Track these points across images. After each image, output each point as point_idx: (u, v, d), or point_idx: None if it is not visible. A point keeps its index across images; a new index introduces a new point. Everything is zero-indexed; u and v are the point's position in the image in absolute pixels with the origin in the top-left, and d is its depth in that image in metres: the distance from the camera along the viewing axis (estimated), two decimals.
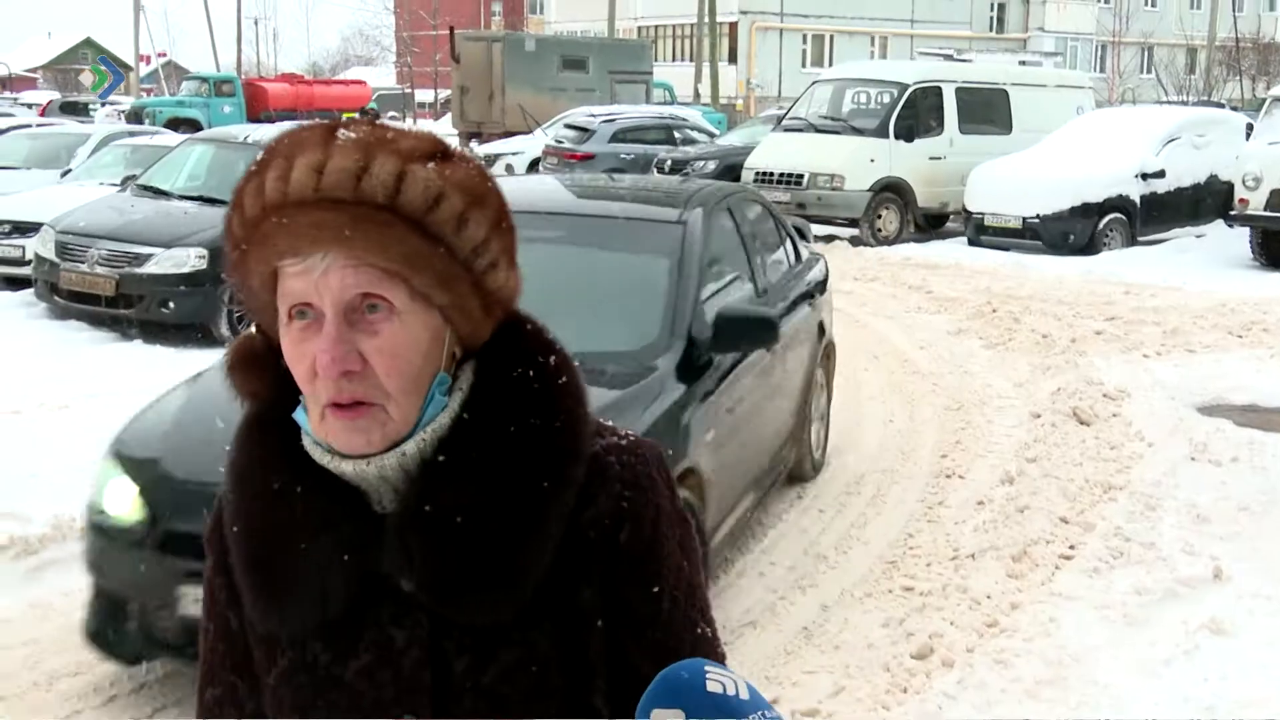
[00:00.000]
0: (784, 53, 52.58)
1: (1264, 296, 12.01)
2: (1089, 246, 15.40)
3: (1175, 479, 6.63)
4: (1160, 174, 15.96)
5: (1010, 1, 59.93)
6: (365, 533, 1.25)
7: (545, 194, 6.50)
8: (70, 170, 14.95)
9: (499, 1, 73.39)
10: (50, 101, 41.24)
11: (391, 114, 50.63)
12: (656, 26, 54.08)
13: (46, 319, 10.72)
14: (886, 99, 17.80)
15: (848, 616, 5.10)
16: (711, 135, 23.36)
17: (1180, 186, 16.19)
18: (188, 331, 10.06)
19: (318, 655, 1.27)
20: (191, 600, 3.94)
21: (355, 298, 1.19)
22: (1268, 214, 14.30)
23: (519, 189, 6.44)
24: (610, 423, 1.36)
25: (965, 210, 16.48)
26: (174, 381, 5.14)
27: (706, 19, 41.89)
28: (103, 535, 4.34)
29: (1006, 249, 15.57)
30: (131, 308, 10.17)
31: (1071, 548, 5.77)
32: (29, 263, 11.17)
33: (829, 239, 16.90)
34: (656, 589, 1.27)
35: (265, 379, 1.30)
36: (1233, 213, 14.89)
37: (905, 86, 17.62)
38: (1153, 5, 59.96)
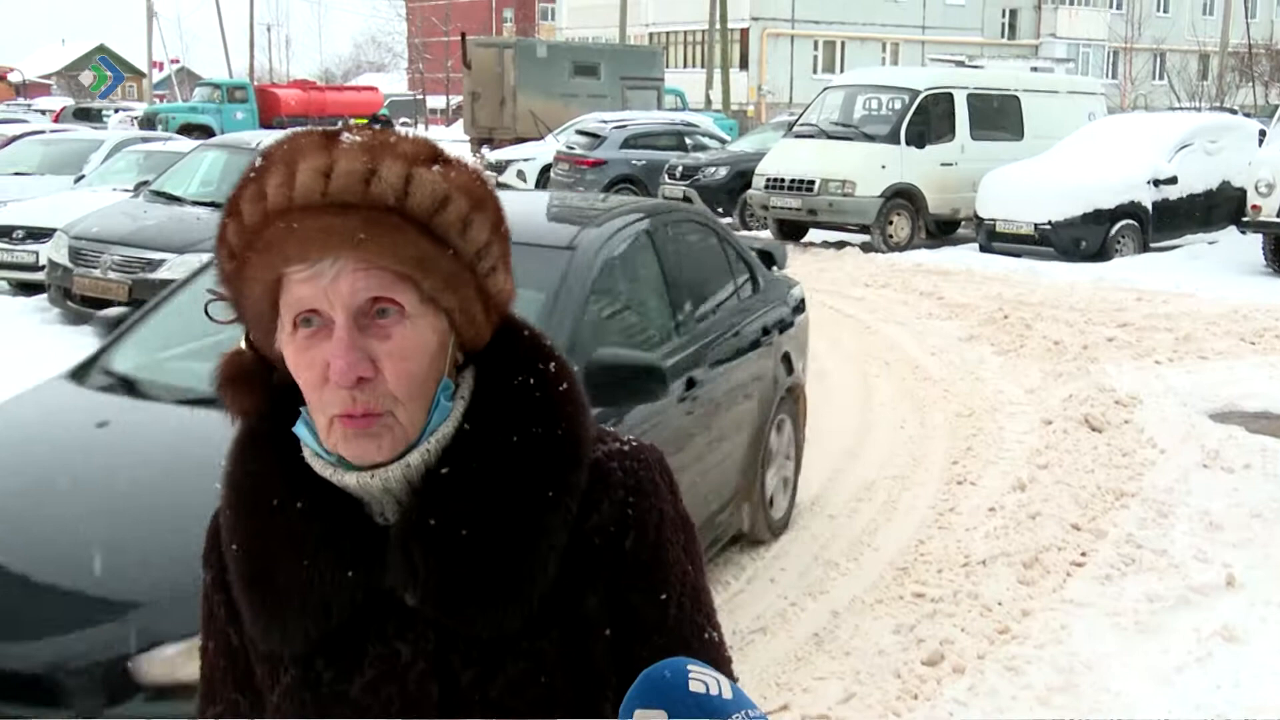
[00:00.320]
0: (795, 59, 52.60)
1: (1276, 303, 11.95)
2: (1101, 253, 15.37)
3: (1187, 486, 6.61)
4: (1172, 180, 15.93)
5: (1022, 8, 59.89)
6: (367, 547, 1.23)
7: None
8: (84, 176, 15.02)
9: (511, 8, 73.53)
10: (64, 108, 41.38)
11: (403, 120, 50.80)
12: (668, 33, 54.13)
13: (59, 324, 10.76)
14: (898, 105, 17.79)
15: (858, 623, 5.09)
16: (723, 141, 23.35)
17: (1192, 193, 16.15)
18: None
19: (321, 672, 1.26)
20: None
21: (366, 302, 1.17)
22: None
23: None
24: (611, 428, 1.34)
25: (977, 216, 16.46)
26: None
27: (718, 25, 41.91)
28: None
29: (1018, 255, 15.55)
30: None
31: (1083, 554, 5.75)
32: (43, 268, 11.23)
33: (840, 245, 16.90)
34: (663, 595, 1.26)
35: (257, 395, 1.28)
36: (1245, 219, 14.84)
37: (916, 93, 17.61)
38: (1165, 11, 59.89)
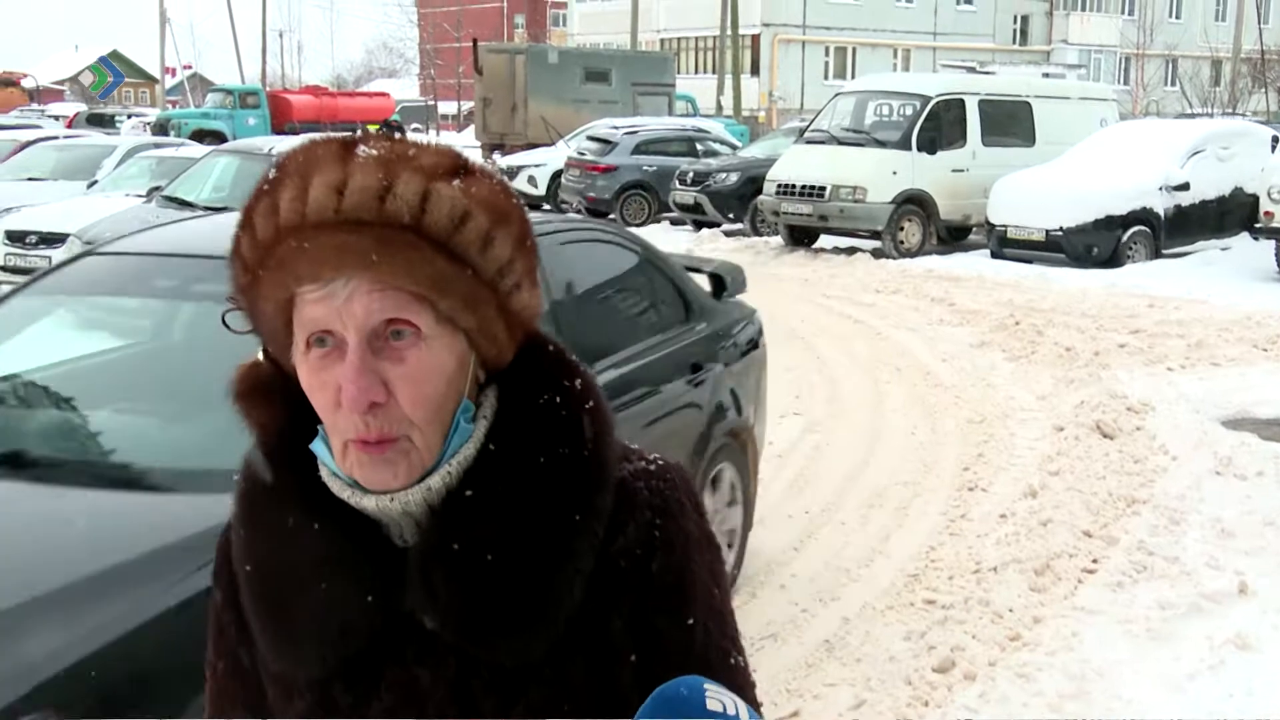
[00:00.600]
0: (806, 65, 52.58)
1: None
2: (1113, 259, 15.33)
3: (1200, 493, 6.60)
4: (1185, 186, 15.89)
5: (1033, 14, 59.83)
6: (386, 570, 1.20)
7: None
8: (96, 181, 15.09)
9: (522, 14, 73.65)
10: (77, 113, 41.58)
11: (415, 126, 50.90)
12: (679, 39, 54.17)
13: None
14: (909, 111, 17.77)
15: (869, 629, 5.09)
16: (734, 147, 23.37)
17: (1205, 199, 16.10)
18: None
19: (338, 697, 1.22)
20: None
21: (380, 324, 1.13)
22: None
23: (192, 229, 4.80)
24: (635, 445, 1.31)
25: (988, 223, 16.44)
26: None
27: (729, 31, 41.92)
28: None
29: (1029, 262, 15.52)
30: None
31: (1095, 561, 5.74)
32: None
33: (851, 251, 16.89)
34: (690, 619, 1.23)
35: (274, 409, 1.24)
36: (1258, 225, 14.80)
37: (928, 99, 17.60)
38: (1177, 17, 59.77)
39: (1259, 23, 45.58)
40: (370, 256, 1.11)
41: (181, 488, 3.07)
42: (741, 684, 1.24)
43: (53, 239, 11.89)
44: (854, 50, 53.62)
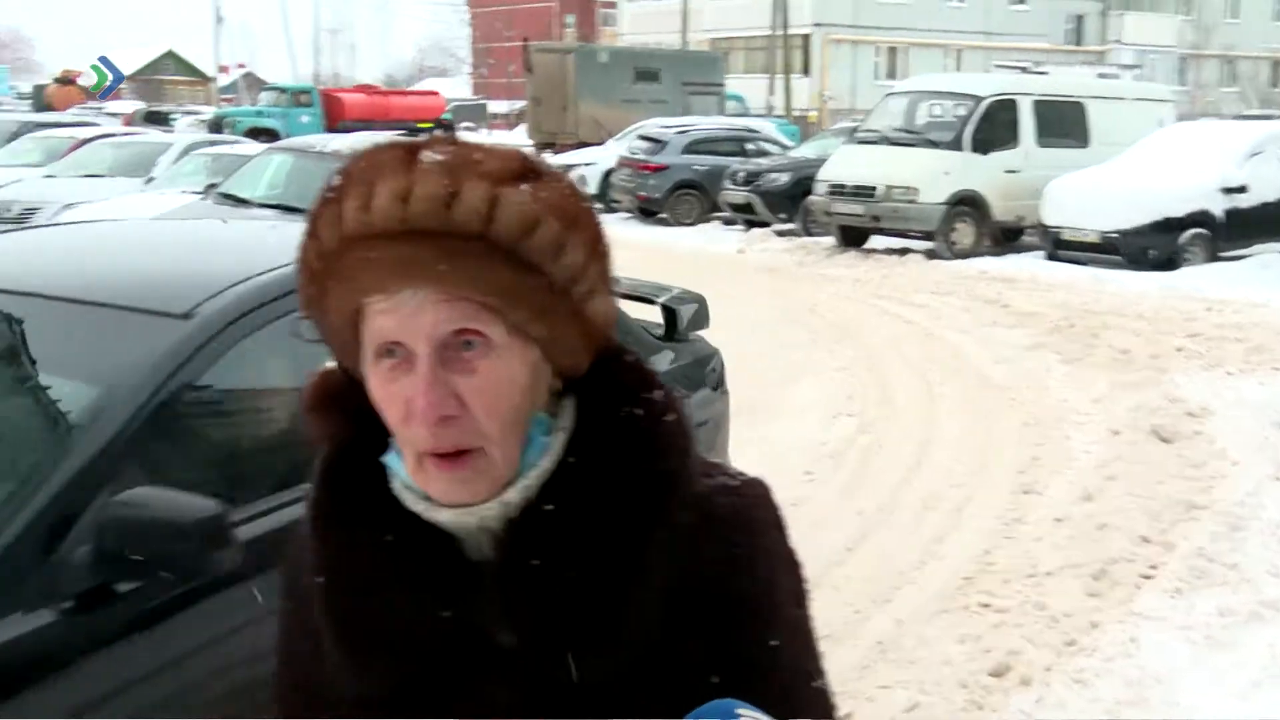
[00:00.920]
0: (858, 65, 52.34)
1: None
2: (1169, 262, 15.15)
3: (1260, 499, 6.51)
4: (1243, 188, 15.67)
5: (1088, 14, 59.27)
6: (461, 585, 1.17)
7: None
8: (153, 178, 15.26)
9: (573, 14, 73.83)
10: (134, 111, 42.10)
11: (465, 124, 51.11)
12: (730, 38, 54.08)
13: None
14: (962, 111, 17.65)
15: (923, 632, 5.05)
16: (785, 147, 23.30)
17: (1264, 201, 15.85)
18: None
19: (409, 714, 1.19)
20: None
21: (449, 335, 1.10)
22: None
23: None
24: (716, 459, 1.26)
25: (1042, 224, 16.29)
26: None
27: (780, 31, 41.83)
28: None
29: (1084, 264, 15.36)
30: None
31: (1152, 567, 5.68)
32: None
33: (903, 252, 16.80)
34: (772, 640, 1.19)
35: (346, 419, 1.21)
36: None
37: (981, 99, 17.46)
38: (1235, 17, 59.01)
39: None
40: (437, 267, 1.08)
41: None
42: (824, 709, 1.22)
43: None
44: (905, 50, 53.32)
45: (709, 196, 21.29)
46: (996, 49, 48.76)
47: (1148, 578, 5.57)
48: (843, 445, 7.78)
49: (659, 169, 21.54)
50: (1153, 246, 15.28)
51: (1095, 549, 5.81)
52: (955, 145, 17.08)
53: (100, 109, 40.74)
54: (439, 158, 1.11)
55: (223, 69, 62.07)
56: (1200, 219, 15.46)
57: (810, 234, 18.80)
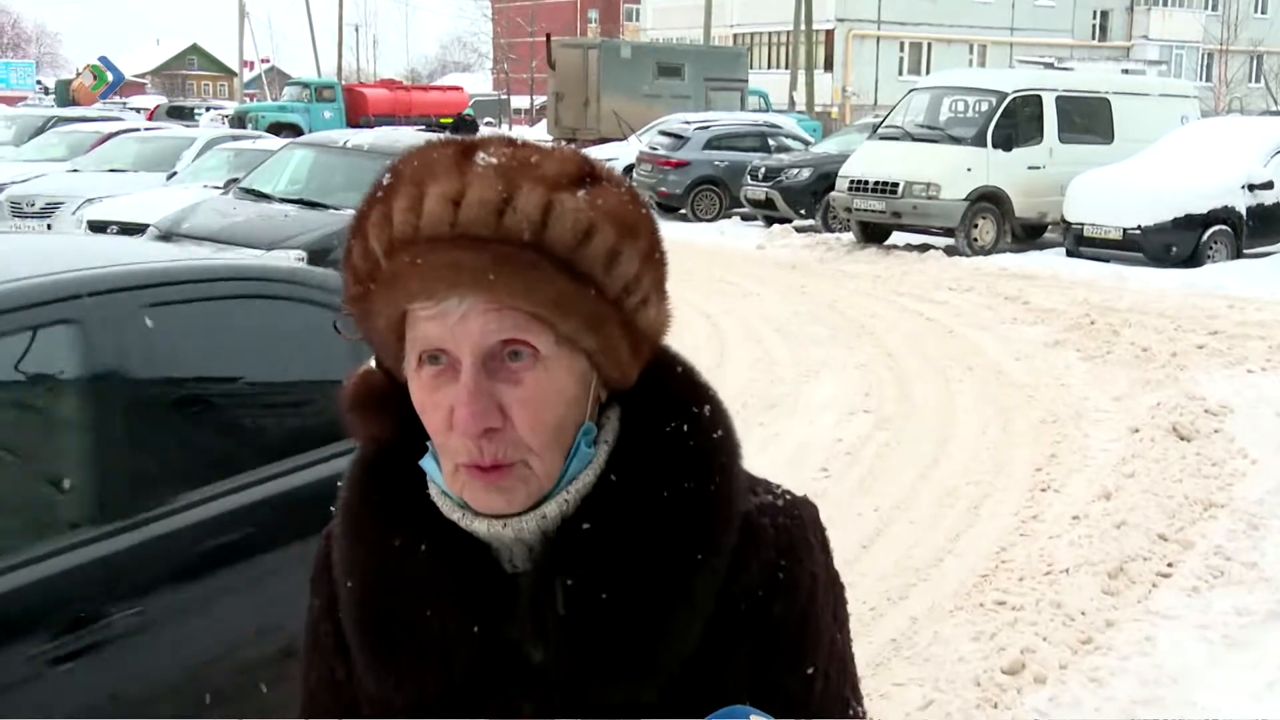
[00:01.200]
0: (880, 60, 52.21)
1: None
2: (1192, 259, 15.06)
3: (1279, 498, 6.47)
4: (1268, 185, 15.56)
5: (1113, 9, 58.92)
6: (494, 597, 1.14)
7: None
8: (176, 173, 15.33)
9: (596, 9, 73.81)
10: (158, 106, 42.31)
11: (488, 120, 51.20)
12: (752, 34, 53.99)
13: None
14: (984, 107, 17.58)
15: (938, 629, 5.04)
16: (806, 143, 23.25)
17: None
18: None
19: None
20: None
21: (496, 344, 1.07)
22: None
23: None
24: (762, 476, 1.24)
25: (1064, 221, 16.21)
26: None
27: (803, 26, 41.73)
28: None
29: (1106, 260, 15.30)
30: None
31: (1170, 565, 5.65)
32: None
33: (924, 248, 16.75)
34: (810, 668, 1.17)
35: (388, 420, 1.18)
36: None
37: (1004, 95, 17.38)
38: (1263, 12, 58.55)
39: None
40: (487, 276, 1.04)
41: None
42: None
43: (133, 229, 12.10)
44: (929, 46, 53.14)
45: (729, 192, 21.28)
46: (1021, 44, 48.58)
47: (1165, 576, 5.55)
48: (860, 442, 7.76)
49: (680, 164, 21.53)
50: (1175, 243, 15.19)
51: (1112, 547, 5.79)
52: (978, 141, 17.01)
53: (124, 104, 40.97)
54: (493, 160, 1.07)
55: (247, 64, 62.28)
56: (1224, 216, 15.36)
57: (831, 230, 18.76)
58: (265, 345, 3.36)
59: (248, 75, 64.16)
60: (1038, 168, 17.19)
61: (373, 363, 1.20)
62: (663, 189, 21.54)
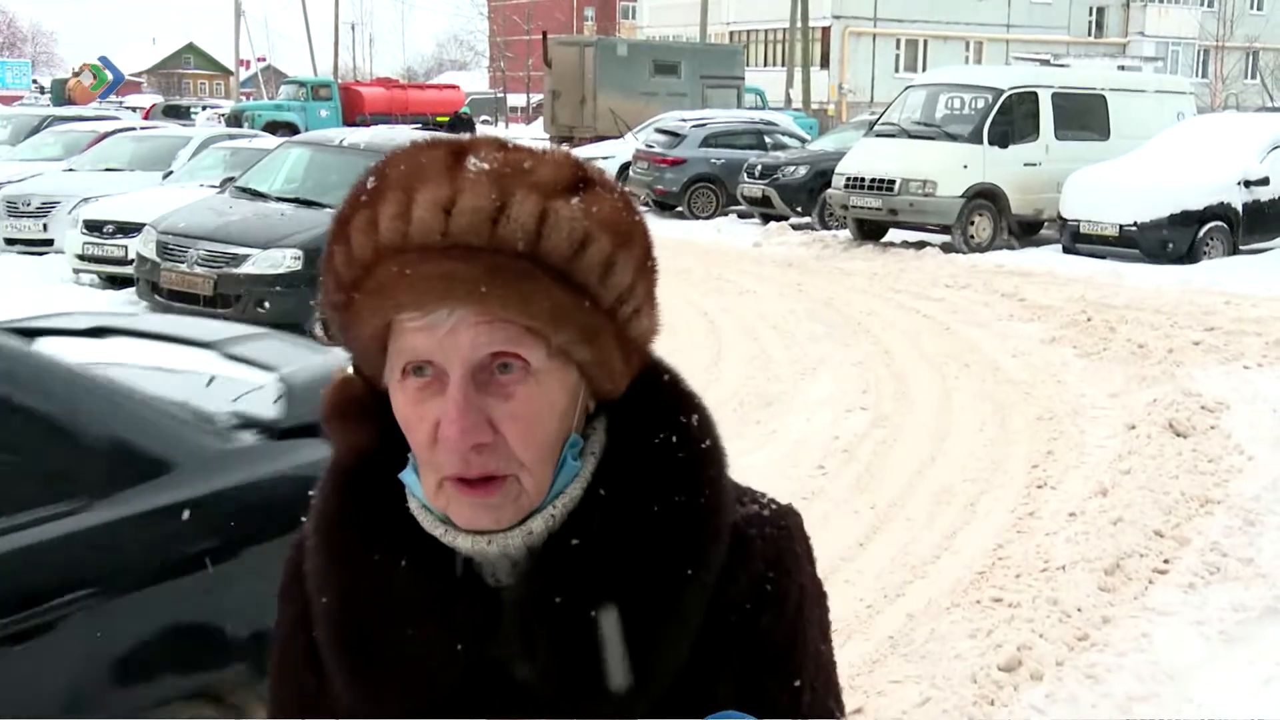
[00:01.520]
0: (877, 58, 52.21)
1: None
2: (1188, 255, 15.07)
3: (1276, 494, 6.48)
4: (1264, 181, 15.58)
5: (1110, 6, 58.95)
6: (477, 614, 1.10)
7: None
8: (172, 172, 15.32)
9: (592, 6, 73.77)
10: (154, 105, 42.28)
11: (484, 118, 51.17)
12: (749, 31, 53.99)
13: (147, 317, 10.99)
14: (981, 104, 17.59)
15: (935, 627, 5.04)
16: (803, 140, 23.26)
17: None
18: (282, 331, 10.25)
19: None
20: None
21: (486, 357, 1.03)
22: None
23: None
24: (748, 485, 1.21)
25: (1060, 217, 16.23)
26: None
27: (799, 24, 41.73)
28: None
29: (1102, 257, 15.30)
30: (229, 307, 10.37)
31: (1166, 562, 5.65)
32: (132, 262, 11.48)
33: (920, 245, 16.76)
34: (797, 681, 1.15)
35: (370, 429, 1.13)
36: None
37: (1000, 92, 17.39)
38: (1259, 9, 58.57)
39: None
40: (479, 288, 1.01)
41: None
42: None
43: (129, 228, 12.11)
44: (925, 43, 53.15)
45: (726, 190, 21.28)
46: (1017, 41, 48.60)
47: (1161, 573, 5.55)
48: (856, 439, 7.76)
49: (676, 162, 21.54)
50: (1171, 240, 15.20)
51: (1109, 543, 5.79)
52: (974, 138, 17.01)
53: (120, 103, 40.94)
54: (486, 166, 1.03)
55: (243, 63, 62.22)
56: (1220, 212, 15.38)
57: (827, 227, 18.77)
58: None
59: (244, 74, 64.07)
60: (1034, 165, 17.20)
61: (350, 369, 1.15)
62: (659, 187, 21.55)
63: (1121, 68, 21.02)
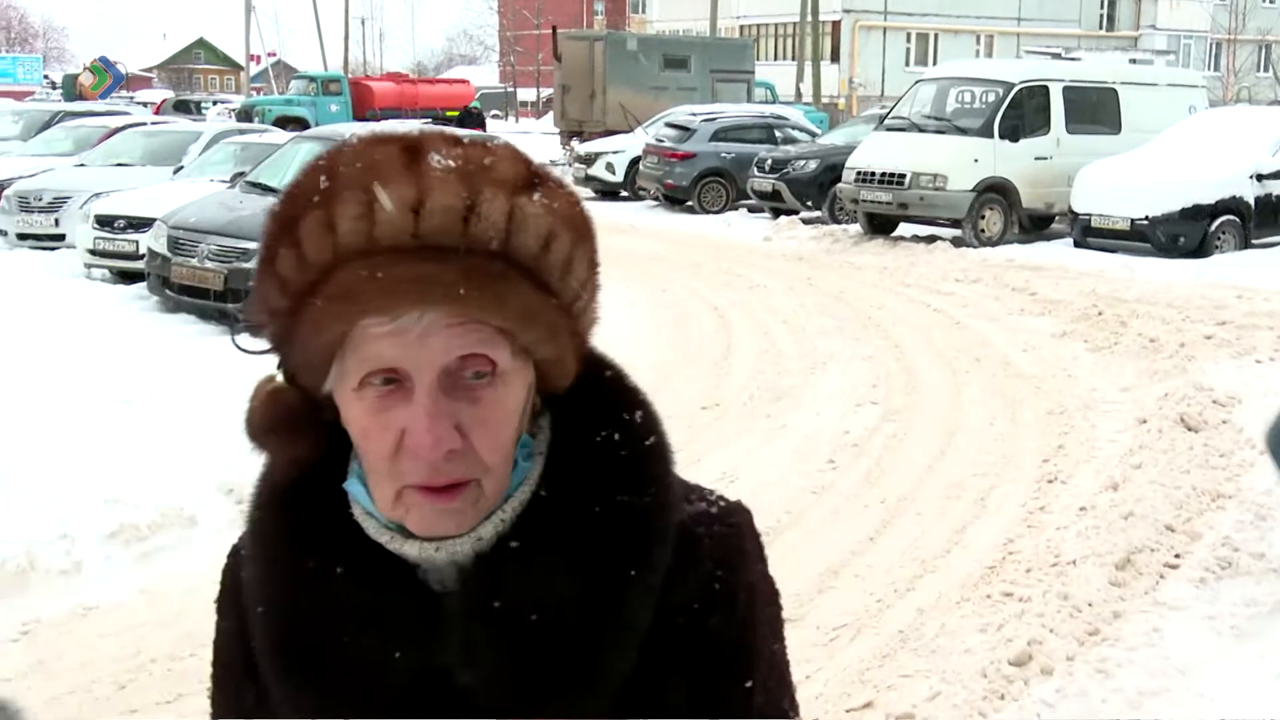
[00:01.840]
0: (887, 51, 52.08)
1: None
2: (1200, 249, 15.02)
3: None
4: (1276, 175, 15.51)
5: None
6: (420, 621, 1.07)
7: None
8: (182, 167, 15.35)
9: (601, 1, 73.71)
10: (164, 100, 42.38)
11: (494, 113, 51.19)
12: (759, 25, 53.89)
13: (158, 312, 11.01)
14: (991, 98, 17.53)
15: (945, 621, 5.04)
16: (813, 134, 23.22)
17: None
18: None
19: None
20: None
21: (455, 361, 1.00)
22: None
23: None
24: (696, 482, 1.18)
25: (1071, 211, 16.18)
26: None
27: (809, 18, 41.65)
28: None
29: (1113, 251, 15.25)
30: (239, 301, 10.39)
31: (1177, 556, 5.64)
32: (142, 257, 11.51)
33: (931, 239, 16.73)
34: (749, 681, 1.13)
35: (310, 441, 1.09)
36: None
37: (1011, 85, 17.34)
38: (1271, 1, 58.34)
39: None
40: (458, 289, 0.97)
41: None
42: None
43: (140, 223, 12.13)
44: (936, 37, 52.99)
45: (736, 184, 21.27)
46: (1028, 34, 48.47)
47: (1173, 567, 5.54)
48: (867, 434, 7.76)
49: (686, 156, 21.53)
50: (1183, 234, 15.15)
51: (1120, 538, 5.78)
52: (985, 132, 16.96)
53: (131, 98, 41.01)
54: (450, 163, 0.99)
55: (253, 58, 62.26)
56: (1232, 206, 15.32)
57: (837, 222, 18.73)
58: None
59: (254, 69, 64.10)
60: (1045, 158, 17.15)
61: (279, 378, 1.09)
62: (669, 181, 21.54)
63: (1133, 61, 20.94)
